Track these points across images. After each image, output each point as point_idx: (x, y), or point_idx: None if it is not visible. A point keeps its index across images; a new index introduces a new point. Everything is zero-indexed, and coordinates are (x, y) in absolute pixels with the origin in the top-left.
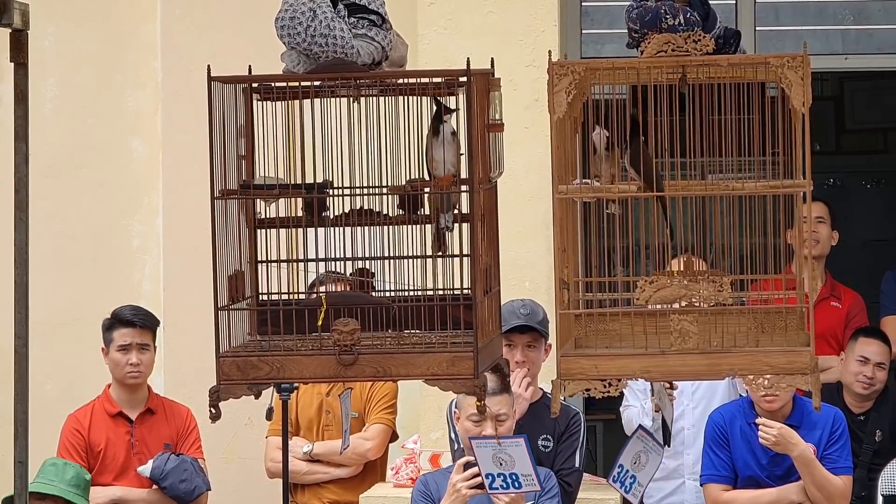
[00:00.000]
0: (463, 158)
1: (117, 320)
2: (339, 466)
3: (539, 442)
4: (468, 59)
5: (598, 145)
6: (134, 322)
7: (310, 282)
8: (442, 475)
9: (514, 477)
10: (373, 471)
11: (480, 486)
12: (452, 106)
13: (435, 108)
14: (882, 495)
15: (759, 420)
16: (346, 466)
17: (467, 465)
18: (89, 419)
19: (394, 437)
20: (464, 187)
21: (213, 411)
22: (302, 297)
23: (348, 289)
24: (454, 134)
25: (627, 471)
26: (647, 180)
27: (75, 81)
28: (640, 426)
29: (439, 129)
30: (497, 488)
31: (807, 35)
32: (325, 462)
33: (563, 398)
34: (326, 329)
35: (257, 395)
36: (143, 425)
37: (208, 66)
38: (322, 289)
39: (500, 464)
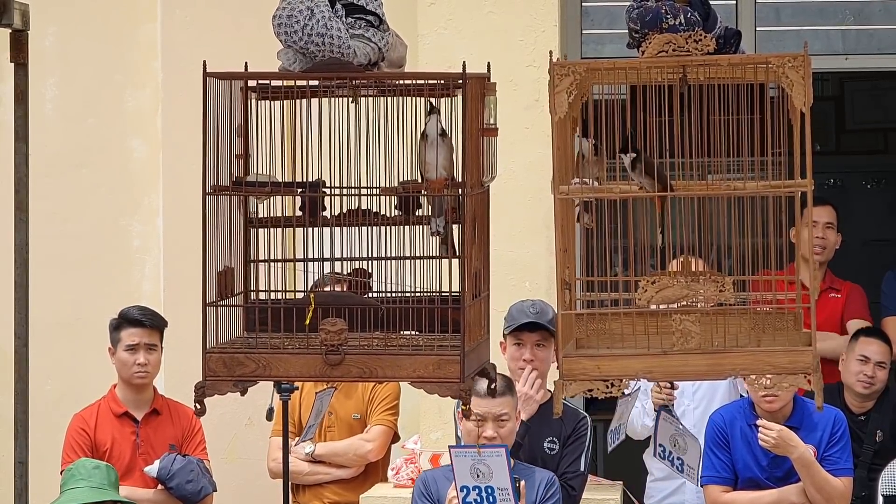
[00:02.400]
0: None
1: (125, 320)
2: (341, 467)
3: (545, 444)
4: (464, 62)
5: (585, 152)
6: (142, 322)
7: (311, 282)
8: (442, 474)
9: (489, 491)
10: (374, 471)
11: None
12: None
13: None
14: (882, 495)
15: (759, 422)
16: (347, 467)
17: None
18: (95, 419)
19: (395, 438)
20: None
21: (199, 407)
22: (298, 296)
23: (344, 289)
24: (444, 135)
25: (671, 452)
26: (662, 181)
27: (75, 81)
28: (663, 407)
29: (427, 131)
30: (470, 503)
31: (807, 35)
32: (326, 462)
33: (564, 398)
34: (315, 328)
35: (243, 392)
36: (149, 426)
37: (204, 61)
38: (324, 289)
39: (477, 475)
